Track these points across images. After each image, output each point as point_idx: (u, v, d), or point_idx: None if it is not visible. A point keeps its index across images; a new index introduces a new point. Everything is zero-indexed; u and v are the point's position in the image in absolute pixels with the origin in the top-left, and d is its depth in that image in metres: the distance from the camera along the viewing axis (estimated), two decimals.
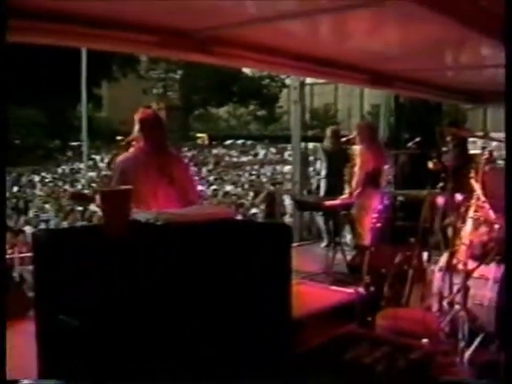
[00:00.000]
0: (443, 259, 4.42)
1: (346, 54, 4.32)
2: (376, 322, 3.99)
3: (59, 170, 27.05)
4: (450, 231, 4.43)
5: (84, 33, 3.08)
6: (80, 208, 13.07)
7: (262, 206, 13.91)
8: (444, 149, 6.64)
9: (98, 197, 3.61)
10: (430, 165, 6.10)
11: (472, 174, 4.54)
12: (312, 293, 3.90)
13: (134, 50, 4.63)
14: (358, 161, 6.62)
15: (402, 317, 4.01)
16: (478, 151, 7.67)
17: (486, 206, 4.31)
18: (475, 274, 4.10)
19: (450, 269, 4.19)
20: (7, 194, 18.75)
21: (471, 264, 4.12)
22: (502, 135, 3.04)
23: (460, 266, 4.13)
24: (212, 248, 2.47)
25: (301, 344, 3.00)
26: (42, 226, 12.68)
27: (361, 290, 4.43)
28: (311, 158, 11.51)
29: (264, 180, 21.68)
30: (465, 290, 4.01)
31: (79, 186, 19.45)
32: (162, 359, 2.23)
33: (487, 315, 4.03)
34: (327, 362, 3.03)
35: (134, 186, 3.95)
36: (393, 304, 4.64)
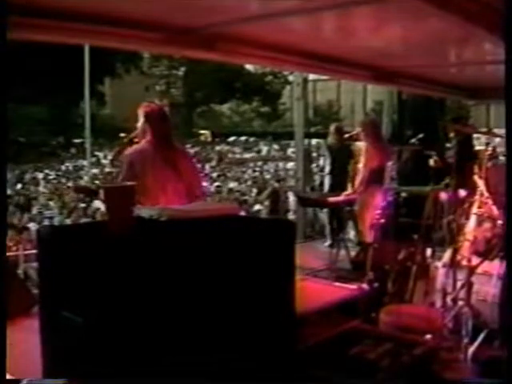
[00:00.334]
0: (447, 255, 4.42)
1: (350, 50, 4.31)
2: (380, 318, 4.00)
3: (63, 167, 27.08)
4: (453, 227, 4.43)
5: (87, 30, 3.08)
6: (83, 205, 13.09)
7: (266, 203, 13.93)
8: (447, 145, 6.64)
9: (101, 193, 3.64)
10: (431, 162, 6.09)
11: (475, 170, 4.54)
12: (316, 289, 3.90)
13: (138, 47, 4.64)
14: (362, 158, 6.61)
15: (406, 313, 4.02)
16: (481, 147, 7.66)
17: (490, 201, 4.31)
18: (479, 270, 4.10)
19: (453, 265, 4.19)
20: (11, 192, 18.79)
21: (475, 260, 4.12)
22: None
23: (464, 262, 4.13)
24: (216, 244, 2.47)
25: (305, 340, 3.00)
26: (46, 223, 12.69)
27: (364, 286, 4.44)
28: (314, 155, 11.52)
29: (267, 177, 21.67)
30: (468, 286, 4.01)
31: (82, 183, 19.45)
32: (165, 356, 2.23)
33: (491, 311, 4.03)
34: (331, 358, 3.04)
35: (142, 179, 4.01)
36: (396, 300, 4.65)
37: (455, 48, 4.41)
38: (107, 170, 22.80)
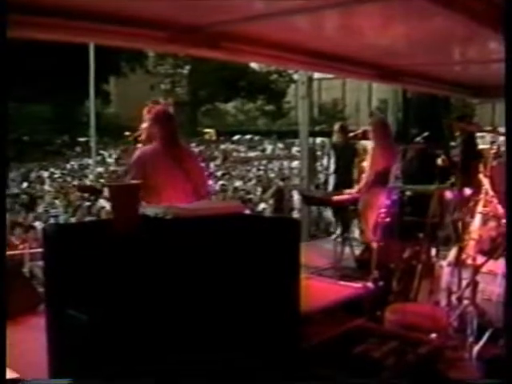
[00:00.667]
0: (452, 254, 4.42)
1: (354, 48, 4.31)
2: (385, 317, 3.99)
3: (68, 166, 27.14)
4: (458, 226, 4.42)
5: (92, 28, 3.09)
6: (88, 203, 13.13)
7: (271, 201, 13.94)
8: (452, 143, 6.62)
9: (107, 191, 3.65)
10: (439, 161, 6.09)
11: (480, 169, 4.53)
12: (321, 288, 3.90)
13: (143, 45, 4.64)
14: (368, 158, 6.57)
15: (411, 311, 4.01)
16: (486, 146, 7.64)
17: (495, 200, 4.30)
18: (484, 269, 4.09)
19: (458, 264, 4.18)
20: (17, 190, 18.86)
21: (480, 259, 4.12)
22: None
23: (469, 261, 4.13)
24: (221, 243, 2.47)
25: (309, 339, 3.00)
26: (52, 221, 12.73)
27: (369, 284, 4.44)
28: (319, 153, 11.52)
29: (272, 175, 21.67)
30: (473, 285, 4.01)
31: (88, 182, 19.51)
32: (170, 354, 2.24)
33: (496, 310, 4.02)
34: (336, 357, 3.04)
35: (151, 179, 4.04)
36: (401, 299, 4.64)
37: (460, 46, 4.40)
38: (112, 168, 22.87)
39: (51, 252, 2.44)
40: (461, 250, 4.21)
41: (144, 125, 4.37)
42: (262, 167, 24.90)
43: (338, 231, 7.86)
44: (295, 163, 20.68)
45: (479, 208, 4.38)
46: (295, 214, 11.91)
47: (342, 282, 4.46)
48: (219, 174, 22.15)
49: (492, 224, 4.28)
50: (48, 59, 26.06)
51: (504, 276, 4.06)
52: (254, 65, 36.38)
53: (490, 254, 4.17)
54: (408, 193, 7.10)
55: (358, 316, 3.69)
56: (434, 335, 3.69)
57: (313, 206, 8.85)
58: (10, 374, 3.53)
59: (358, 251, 6.70)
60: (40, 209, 14.76)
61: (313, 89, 9.92)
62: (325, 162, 8.87)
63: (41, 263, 7.65)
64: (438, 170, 5.45)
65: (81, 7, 2.88)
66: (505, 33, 2.42)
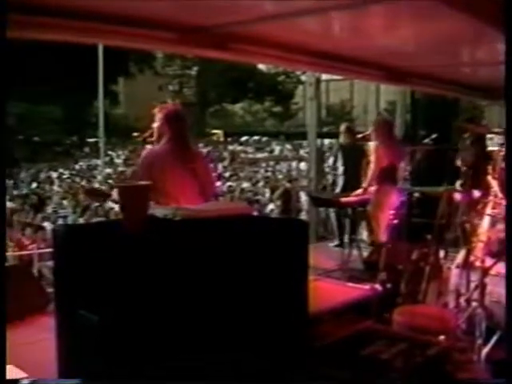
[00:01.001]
0: (460, 256, 4.41)
1: (362, 50, 4.30)
2: (393, 319, 3.99)
3: (76, 167, 27.24)
4: (467, 228, 4.41)
5: (101, 29, 3.10)
6: (97, 204, 13.16)
7: (278, 203, 13.93)
8: (461, 145, 6.59)
9: (116, 192, 3.66)
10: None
11: (489, 171, 4.52)
12: (329, 289, 3.90)
13: (151, 46, 4.64)
14: (372, 156, 6.59)
15: (419, 313, 4.00)
16: (495, 148, 7.61)
17: (504, 202, 4.28)
18: (492, 271, 4.08)
19: (467, 266, 4.17)
20: (26, 191, 18.94)
21: (488, 261, 4.10)
22: None
23: (477, 263, 4.11)
24: (230, 244, 2.48)
25: (318, 340, 3.00)
26: (60, 222, 12.77)
27: (377, 286, 4.43)
28: (327, 155, 11.49)
29: (280, 176, 21.65)
30: (482, 287, 4.00)
31: (96, 184, 19.56)
32: (179, 355, 2.24)
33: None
34: (344, 358, 3.04)
35: (160, 180, 4.05)
36: (409, 301, 4.63)
37: (469, 47, 4.39)
38: (120, 169, 22.93)
39: (61, 253, 2.45)
40: (469, 252, 4.20)
41: (155, 124, 4.38)
42: (269, 168, 24.90)
43: (337, 241, 7.86)
44: (303, 164, 20.69)
45: (488, 210, 4.37)
46: (303, 216, 11.90)
47: (349, 284, 4.45)
48: (227, 175, 22.16)
49: (501, 226, 4.26)
50: (57, 60, 26.17)
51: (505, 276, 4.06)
52: (261, 66, 36.44)
53: (498, 256, 4.15)
54: (416, 194, 7.10)
55: (366, 318, 3.68)
56: (442, 337, 3.68)
57: (321, 208, 8.83)
58: (18, 374, 3.55)
59: (365, 253, 6.69)
60: (49, 209, 14.81)
61: (321, 90, 9.86)
62: (330, 162, 8.85)
63: (49, 263, 7.71)
64: (447, 172, 5.42)
65: (90, 8, 2.89)
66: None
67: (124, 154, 28.63)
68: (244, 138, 37.91)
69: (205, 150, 26.56)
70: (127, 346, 2.18)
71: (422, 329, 3.70)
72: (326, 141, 13.12)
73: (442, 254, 5.11)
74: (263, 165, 26.59)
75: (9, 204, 14.23)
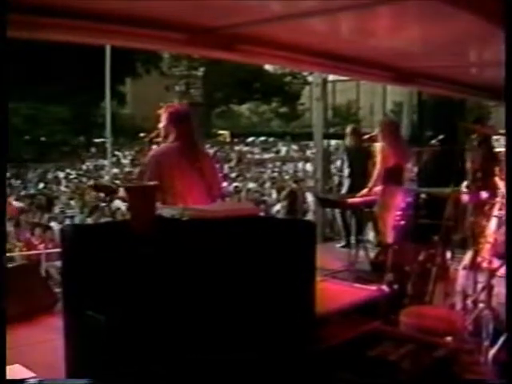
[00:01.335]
0: (467, 257, 4.40)
1: (369, 51, 4.30)
2: (400, 320, 3.98)
3: (84, 167, 27.31)
4: (474, 229, 4.40)
5: (109, 30, 3.11)
6: (104, 204, 13.19)
7: (284, 203, 13.93)
8: (468, 146, 6.57)
9: (124, 192, 3.66)
10: (468, 164, 6.04)
11: (496, 172, 4.51)
12: (336, 290, 3.89)
13: (159, 47, 4.66)
14: (378, 157, 6.60)
15: (427, 315, 4.00)
16: (502, 149, 7.59)
17: None
18: (499, 273, 4.07)
19: (474, 267, 4.16)
20: (33, 191, 19.01)
21: (495, 262, 4.09)
22: None
23: (484, 265, 4.11)
24: (237, 244, 2.48)
25: (325, 341, 3.00)
26: (67, 222, 12.80)
27: (384, 287, 4.43)
28: (334, 156, 11.49)
29: (286, 177, 21.66)
30: (489, 288, 3.99)
31: (103, 182, 19.58)
32: (187, 355, 2.25)
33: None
34: (351, 359, 3.04)
35: (168, 180, 4.06)
36: (416, 302, 4.62)
37: (475, 48, 4.38)
38: (127, 169, 22.98)
39: (69, 253, 2.46)
40: (476, 254, 4.19)
41: (161, 124, 4.38)
42: (276, 169, 24.91)
43: (343, 242, 7.86)
44: (309, 165, 20.68)
45: (495, 211, 4.36)
46: (309, 216, 11.90)
47: (356, 285, 4.45)
48: (233, 175, 22.18)
49: None
50: (64, 61, 26.24)
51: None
52: (268, 67, 36.45)
53: (505, 257, 4.14)
54: (423, 195, 7.09)
55: (373, 319, 3.68)
56: (449, 338, 3.67)
57: (327, 209, 8.83)
58: (26, 374, 3.56)
59: (372, 254, 6.68)
60: (56, 209, 14.85)
61: (327, 91, 9.87)
62: (339, 164, 8.85)
63: (57, 264, 7.74)
64: (454, 173, 5.41)
65: (97, 9, 2.90)
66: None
67: (131, 154, 28.68)
68: (250, 139, 37.94)
69: (211, 151, 26.60)
70: (134, 346, 2.19)
71: (429, 330, 3.69)
72: (333, 142, 13.10)
73: (448, 255, 5.10)
74: (269, 165, 26.61)
75: (17, 203, 14.29)
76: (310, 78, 28.64)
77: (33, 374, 3.55)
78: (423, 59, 4.69)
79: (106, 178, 19.92)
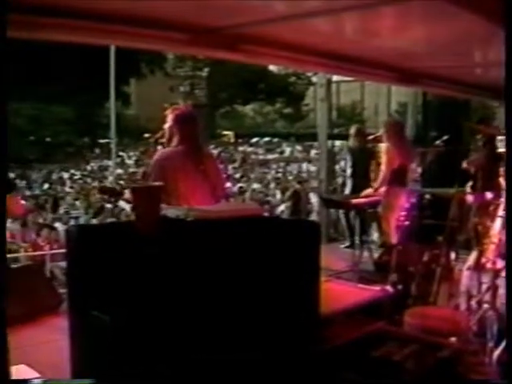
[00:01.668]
0: (472, 258, 4.39)
1: (373, 51, 4.30)
2: (404, 320, 3.98)
3: (88, 167, 27.36)
4: (479, 230, 4.40)
5: (113, 31, 3.11)
6: (109, 205, 13.21)
7: (288, 204, 13.94)
8: (472, 146, 6.57)
9: (129, 193, 3.67)
10: (464, 164, 6.05)
11: (501, 172, 4.50)
12: (340, 290, 3.89)
13: (163, 47, 4.66)
14: (383, 158, 6.60)
15: (431, 315, 3.99)
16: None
17: None
18: (504, 273, 4.06)
19: (478, 267, 4.16)
20: (38, 192, 19.06)
21: (500, 263, 4.08)
22: None
23: (489, 265, 4.10)
24: (241, 245, 2.48)
25: (329, 341, 3.00)
26: (72, 223, 12.83)
27: (388, 288, 4.42)
28: (338, 157, 11.50)
29: (290, 178, 21.67)
30: (494, 289, 3.98)
31: (107, 183, 19.62)
32: (191, 355, 2.25)
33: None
34: (356, 360, 3.04)
35: (173, 180, 4.07)
36: (420, 302, 4.62)
37: (480, 48, 4.37)
38: (132, 170, 23.01)
39: (74, 253, 2.46)
40: (481, 254, 4.19)
41: (166, 125, 4.40)
42: (280, 170, 24.91)
43: (348, 242, 7.87)
44: (315, 166, 20.67)
45: (499, 212, 4.35)
46: (313, 217, 11.90)
47: (360, 285, 4.45)
48: (237, 176, 22.19)
49: None
50: (69, 61, 26.31)
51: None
52: (272, 67, 36.45)
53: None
54: (428, 196, 7.09)
55: (377, 319, 3.68)
56: (453, 339, 3.67)
57: (332, 209, 8.83)
58: (31, 374, 3.58)
59: (376, 254, 6.68)
60: (61, 210, 14.88)
61: (331, 91, 9.88)
62: (342, 164, 8.86)
63: (61, 264, 7.75)
64: (458, 173, 5.40)
65: (101, 9, 2.91)
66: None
67: (135, 154, 28.73)
68: (255, 140, 37.95)
69: (216, 152, 26.62)
70: (139, 347, 2.19)
71: (434, 330, 3.69)
72: (337, 142, 13.10)
73: (453, 255, 5.10)
74: (274, 166, 26.61)
75: (24, 203, 14.31)
76: (314, 79, 28.59)
77: (38, 375, 3.56)
78: (427, 59, 4.68)
79: (111, 178, 19.96)
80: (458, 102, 8.49)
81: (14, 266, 5.93)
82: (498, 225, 4.27)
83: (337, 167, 10.90)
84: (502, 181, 4.45)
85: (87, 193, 16.88)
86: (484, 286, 4.09)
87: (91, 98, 30.49)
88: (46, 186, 21.09)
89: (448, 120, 8.46)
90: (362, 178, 7.75)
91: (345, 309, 3.51)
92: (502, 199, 4.34)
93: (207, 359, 2.29)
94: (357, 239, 7.24)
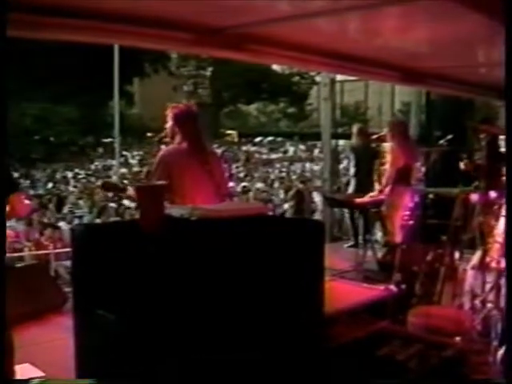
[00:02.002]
0: (476, 257, 4.39)
1: (377, 51, 4.30)
2: (408, 320, 3.98)
3: (92, 167, 27.38)
4: (483, 229, 4.39)
5: (117, 30, 3.12)
6: (113, 205, 13.22)
7: (291, 203, 13.94)
8: (477, 146, 6.56)
9: (133, 192, 3.68)
10: (462, 165, 6.05)
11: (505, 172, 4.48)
12: (344, 290, 3.90)
13: (167, 47, 4.66)
14: (388, 158, 6.60)
15: (435, 315, 3.99)
16: None
17: None
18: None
19: (482, 267, 4.16)
20: (42, 191, 19.09)
21: (504, 262, 4.08)
22: None
23: (493, 265, 4.10)
24: (246, 244, 2.49)
25: (333, 340, 3.01)
26: (76, 222, 12.84)
27: (392, 287, 4.43)
28: (342, 155, 11.49)
29: (294, 177, 21.65)
30: (498, 288, 3.98)
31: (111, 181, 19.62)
32: (195, 354, 2.25)
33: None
34: (360, 359, 3.04)
35: (177, 179, 4.08)
36: (424, 302, 4.62)
37: (483, 48, 4.37)
38: (135, 169, 23.04)
39: (79, 252, 2.47)
40: (485, 253, 4.18)
41: (167, 124, 4.41)
42: (283, 169, 24.89)
43: (352, 241, 7.87)
44: (315, 165, 20.68)
45: (504, 211, 4.34)
46: (317, 216, 11.89)
47: (364, 285, 4.45)
48: (241, 175, 22.18)
49: None
50: (73, 61, 26.34)
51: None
52: (276, 67, 36.43)
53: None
54: (431, 195, 7.08)
55: (381, 319, 3.68)
56: (457, 338, 3.67)
57: (336, 208, 8.84)
58: (35, 373, 3.59)
59: (380, 254, 6.68)
60: (65, 209, 14.89)
61: (335, 91, 9.87)
62: (346, 163, 8.86)
63: (66, 263, 7.77)
64: (462, 173, 5.40)
65: (105, 9, 2.92)
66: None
67: (139, 154, 28.75)
68: (258, 139, 37.91)
69: (219, 151, 26.60)
70: (144, 345, 2.20)
71: (438, 330, 3.69)
72: (341, 142, 13.10)
73: (457, 255, 5.10)
74: (277, 165, 26.60)
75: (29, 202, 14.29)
76: (317, 78, 28.59)
77: (42, 373, 3.57)
78: (431, 59, 4.68)
79: (114, 177, 19.98)
80: (462, 102, 8.48)
81: (18, 265, 5.95)
82: (502, 224, 4.26)
83: (340, 166, 10.90)
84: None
85: (91, 192, 16.89)
86: (488, 286, 4.09)
87: (95, 98, 30.51)
88: (50, 185, 21.11)
89: (452, 119, 8.45)
90: (364, 177, 7.75)
91: (349, 308, 3.52)
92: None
93: (210, 359, 2.29)
94: (360, 239, 7.24)
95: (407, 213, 6.00)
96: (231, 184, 16.09)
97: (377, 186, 6.94)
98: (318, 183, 13.16)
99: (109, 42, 7.62)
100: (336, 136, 10.18)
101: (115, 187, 4.87)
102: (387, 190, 6.47)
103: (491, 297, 4.01)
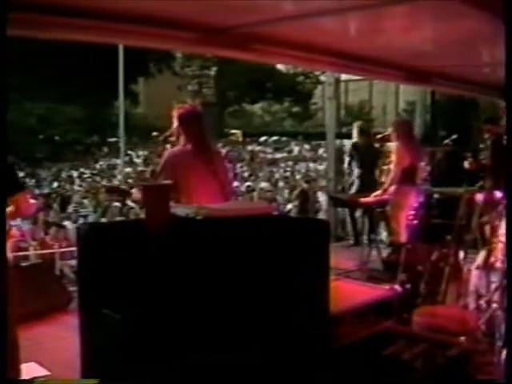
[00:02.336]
0: (480, 257, 4.38)
1: (382, 50, 4.30)
2: (413, 319, 3.98)
3: (97, 166, 27.43)
4: (487, 229, 4.39)
5: (122, 30, 3.13)
6: (117, 204, 13.24)
7: (296, 203, 13.95)
8: (481, 146, 6.56)
9: (138, 192, 3.69)
10: (466, 164, 6.04)
11: None
12: (348, 289, 3.90)
13: (172, 46, 4.67)
14: (393, 157, 6.60)
15: (440, 314, 3.99)
16: None
17: None
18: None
19: (487, 267, 4.15)
20: (47, 190, 19.14)
21: (506, 263, 4.07)
22: None
23: (498, 264, 4.09)
24: (251, 243, 2.49)
25: (338, 340, 3.01)
26: (81, 221, 12.86)
27: (397, 287, 4.42)
28: (346, 154, 11.48)
29: (298, 177, 21.64)
30: (502, 288, 3.97)
31: (116, 183, 19.67)
32: (201, 353, 2.26)
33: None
34: (365, 358, 3.04)
35: (182, 180, 4.10)
36: (429, 302, 4.61)
37: (488, 47, 4.36)
38: (140, 168, 23.07)
39: (85, 251, 2.48)
40: (490, 253, 4.18)
41: (173, 125, 4.42)
42: (288, 168, 24.88)
43: (352, 241, 7.88)
44: (320, 164, 20.65)
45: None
46: (321, 216, 11.89)
47: (369, 284, 4.45)
48: (246, 175, 22.18)
49: None
50: (78, 60, 26.39)
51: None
52: (280, 66, 36.42)
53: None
54: (436, 195, 7.08)
55: (386, 318, 3.68)
56: (462, 338, 3.67)
57: (339, 208, 8.84)
58: (40, 372, 3.60)
59: (384, 253, 6.68)
60: (70, 208, 14.92)
61: (340, 90, 9.87)
62: (347, 163, 8.85)
63: (71, 262, 7.79)
64: (467, 172, 5.39)
65: (110, 8, 2.92)
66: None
67: (144, 153, 28.77)
68: (263, 138, 37.88)
69: (224, 150, 26.59)
70: (150, 345, 2.20)
71: (442, 330, 3.69)
72: (345, 141, 13.10)
73: (461, 254, 5.09)
74: (282, 165, 26.59)
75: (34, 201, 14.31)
76: (322, 78, 28.59)
77: (47, 372, 3.58)
78: (435, 58, 4.68)
79: (119, 177, 20.01)
80: (467, 102, 8.48)
81: (23, 264, 5.97)
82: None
83: (345, 166, 10.90)
84: None
85: (96, 191, 16.92)
86: (493, 286, 4.08)
87: (100, 97, 30.55)
88: (55, 184, 21.16)
89: (456, 119, 8.46)
90: (368, 176, 7.75)
91: (354, 308, 3.52)
92: None
93: (217, 359, 2.30)
94: (364, 238, 7.24)
95: (412, 212, 6.00)
96: (236, 183, 16.11)
97: (381, 185, 6.94)
98: (323, 183, 13.14)
99: (113, 42, 7.64)
100: (340, 135, 10.18)
101: (119, 190, 4.88)
102: (392, 189, 6.47)
103: (496, 297, 4.00)
